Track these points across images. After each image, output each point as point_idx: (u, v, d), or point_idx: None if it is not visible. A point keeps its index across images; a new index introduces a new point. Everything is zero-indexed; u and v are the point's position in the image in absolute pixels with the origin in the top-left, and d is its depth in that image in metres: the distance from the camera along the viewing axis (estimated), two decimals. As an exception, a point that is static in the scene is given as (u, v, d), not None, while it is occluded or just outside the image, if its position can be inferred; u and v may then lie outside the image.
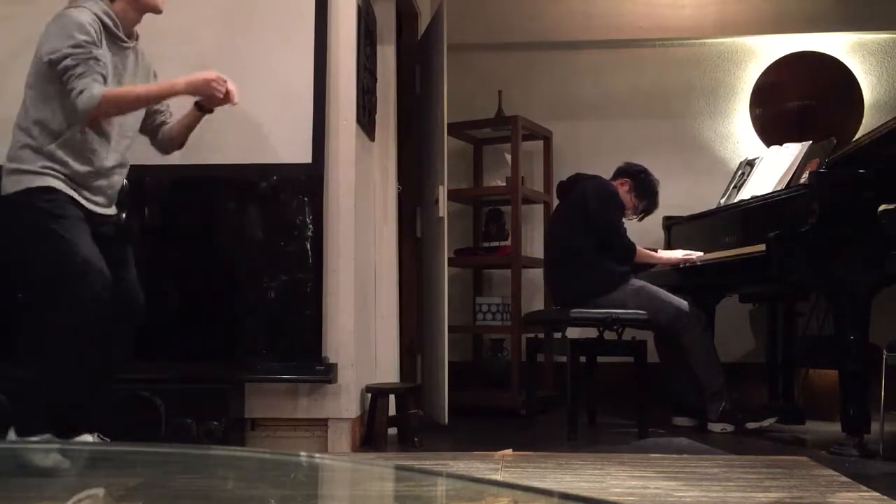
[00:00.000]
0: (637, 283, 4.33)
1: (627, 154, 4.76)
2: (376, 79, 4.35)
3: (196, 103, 3.22)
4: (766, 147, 5.17)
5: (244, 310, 3.74)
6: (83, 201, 2.99)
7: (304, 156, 3.74)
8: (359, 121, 3.92)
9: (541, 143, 5.58)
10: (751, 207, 4.27)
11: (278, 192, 3.74)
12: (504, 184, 5.32)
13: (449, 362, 4.39)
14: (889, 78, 5.59)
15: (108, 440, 3.03)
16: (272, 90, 3.78)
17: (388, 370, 4.40)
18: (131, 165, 3.20)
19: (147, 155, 3.36)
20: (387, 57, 4.54)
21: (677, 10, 5.66)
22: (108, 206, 3.13)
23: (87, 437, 2.98)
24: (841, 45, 5.60)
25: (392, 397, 4.03)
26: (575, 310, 4.21)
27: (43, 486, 2.34)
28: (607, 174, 4.60)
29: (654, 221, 5.09)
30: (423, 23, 5.08)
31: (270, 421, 3.74)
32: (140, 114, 3.18)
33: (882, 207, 3.42)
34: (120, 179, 3.15)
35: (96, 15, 2.95)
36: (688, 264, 4.46)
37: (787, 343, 4.64)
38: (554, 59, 5.77)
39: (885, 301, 3.79)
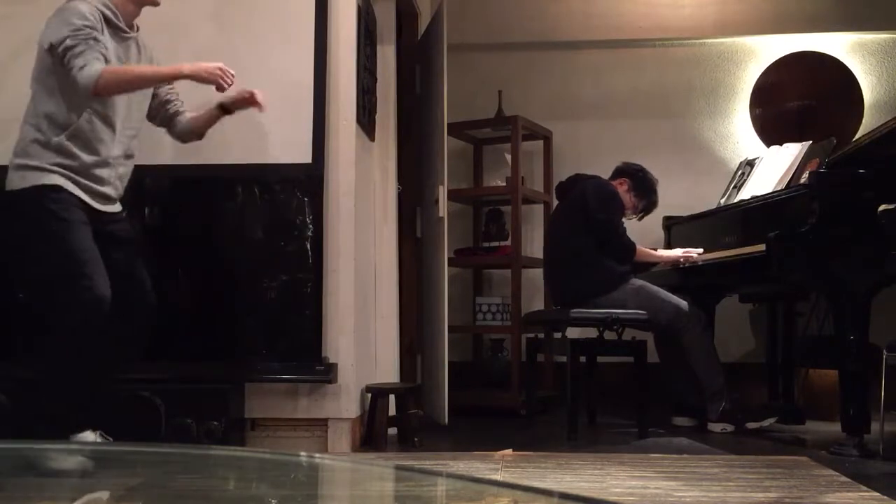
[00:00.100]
0: (637, 282, 4.33)
1: (627, 154, 4.76)
2: (376, 79, 4.35)
3: (219, 104, 3.25)
4: (766, 147, 5.17)
5: (244, 310, 3.74)
6: (89, 199, 3.00)
7: (304, 156, 3.74)
8: (359, 121, 3.92)
9: (541, 143, 5.58)
10: (751, 207, 4.27)
11: (278, 192, 3.74)
12: (504, 184, 5.32)
13: (449, 362, 4.39)
14: (889, 78, 5.59)
15: (111, 439, 3.03)
16: (272, 90, 3.76)
17: (388, 370, 4.40)
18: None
19: (147, 155, 3.36)
20: (387, 57, 4.54)
21: (677, 10, 5.66)
22: (115, 201, 3.13)
23: (90, 435, 2.98)
24: (841, 45, 5.60)
25: (392, 397, 4.03)
26: (575, 310, 4.21)
27: (43, 486, 2.34)
28: (607, 174, 4.60)
29: (654, 221, 5.09)
30: (423, 23, 5.08)
31: (270, 421, 3.74)
32: (144, 103, 3.19)
33: (882, 207, 3.42)
34: (127, 172, 3.15)
35: (96, 7, 2.96)
36: (688, 263, 4.46)
37: (787, 343, 4.64)
38: (554, 59, 5.77)
39: (885, 301, 3.79)
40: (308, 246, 3.72)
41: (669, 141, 5.62)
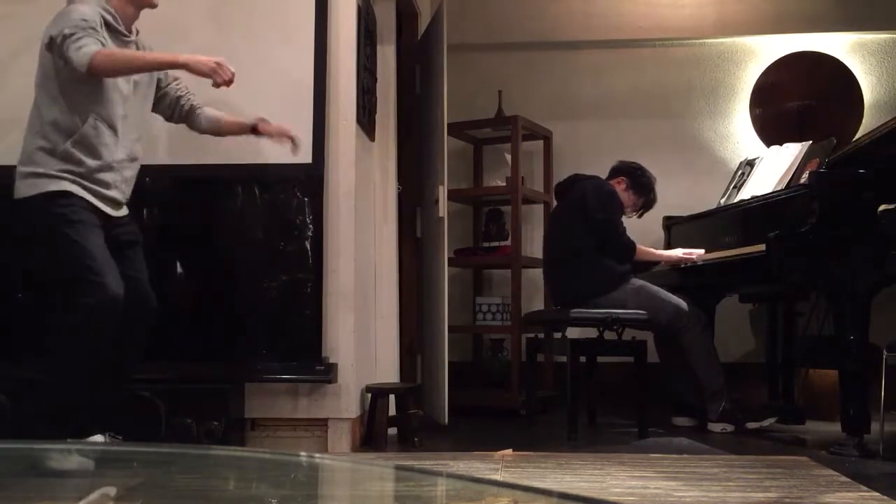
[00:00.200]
0: (637, 282, 4.33)
1: (628, 154, 4.75)
2: (376, 79, 4.35)
3: (254, 127, 3.33)
4: (766, 147, 5.17)
5: (244, 310, 3.74)
6: (98, 203, 3.00)
7: (304, 156, 3.73)
8: (359, 121, 3.92)
9: (541, 143, 5.58)
10: (751, 207, 4.27)
11: (278, 192, 3.74)
12: (504, 184, 5.32)
13: (449, 362, 4.39)
14: (889, 78, 5.59)
15: (120, 438, 3.03)
16: (272, 90, 3.78)
17: (388, 370, 4.40)
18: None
19: (147, 155, 3.35)
20: (387, 57, 4.54)
21: (677, 10, 5.66)
22: (121, 205, 3.14)
23: (99, 438, 2.99)
24: (841, 45, 5.60)
25: (392, 397, 4.03)
26: (575, 310, 4.21)
27: (43, 486, 2.34)
28: (606, 174, 4.60)
29: (655, 221, 5.10)
30: (423, 23, 5.08)
31: (270, 421, 3.74)
32: (146, 104, 3.20)
33: (882, 207, 3.43)
34: (132, 176, 3.16)
35: (97, 10, 2.98)
36: (688, 263, 4.46)
37: (787, 343, 4.64)
38: (554, 59, 5.77)
39: (885, 301, 3.79)
40: (308, 246, 3.72)
41: (669, 141, 5.62)
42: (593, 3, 5.71)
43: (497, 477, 3.06)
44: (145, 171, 3.48)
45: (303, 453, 3.38)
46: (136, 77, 3.11)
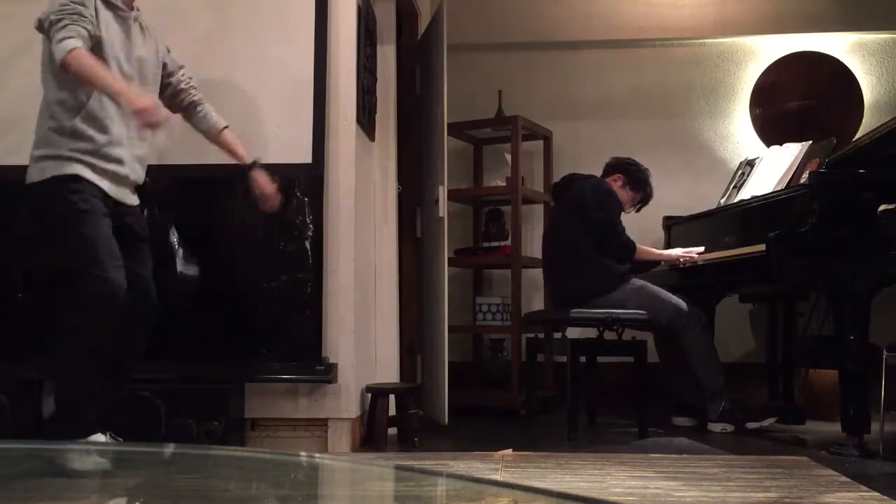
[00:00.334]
0: (637, 282, 4.33)
1: (628, 154, 4.75)
2: (376, 79, 4.35)
3: (249, 167, 3.33)
4: (766, 147, 5.17)
5: (244, 310, 3.74)
6: (109, 185, 3.00)
7: (304, 156, 3.74)
8: (359, 121, 3.92)
9: (541, 143, 5.58)
10: (751, 207, 4.27)
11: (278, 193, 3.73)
12: (504, 184, 5.32)
13: (449, 362, 4.39)
14: (889, 78, 5.59)
15: (121, 440, 3.03)
16: (272, 90, 3.78)
17: (388, 370, 4.40)
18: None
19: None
20: (387, 57, 4.54)
21: (677, 10, 5.66)
22: (133, 188, 3.13)
23: (100, 437, 2.99)
24: (841, 45, 5.61)
25: (392, 397, 4.03)
26: (575, 310, 4.21)
27: (43, 486, 2.34)
28: (601, 172, 4.61)
29: (655, 221, 5.10)
30: (423, 23, 5.08)
31: (270, 421, 3.74)
32: (154, 86, 3.19)
33: (882, 207, 3.43)
34: (143, 155, 3.15)
35: None
36: (688, 263, 4.46)
37: (787, 343, 4.64)
38: (554, 59, 5.77)
39: (885, 301, 3.79)
40: (308, 246, 3.72)
41: (669, 141, 5.62)
42: (593, 3, 5.71)
43: (497, 477, 3.06)
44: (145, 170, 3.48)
45: (303, 453, 3.38)
46: (140, 53, 3.11)
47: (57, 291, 2.99)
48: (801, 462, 3.34)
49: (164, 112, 2.91)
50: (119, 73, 3.02)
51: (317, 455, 3.18)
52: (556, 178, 5.04)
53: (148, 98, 2.89)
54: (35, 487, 2.29)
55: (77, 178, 2.93)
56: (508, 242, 5.29)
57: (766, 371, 4.76)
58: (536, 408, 4.69)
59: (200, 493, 2.04)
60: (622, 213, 4.46)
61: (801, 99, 5.58)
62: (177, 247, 3.77)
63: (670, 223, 5.12)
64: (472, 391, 5.15)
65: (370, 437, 3.91)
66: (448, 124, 4.54)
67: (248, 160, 3.35)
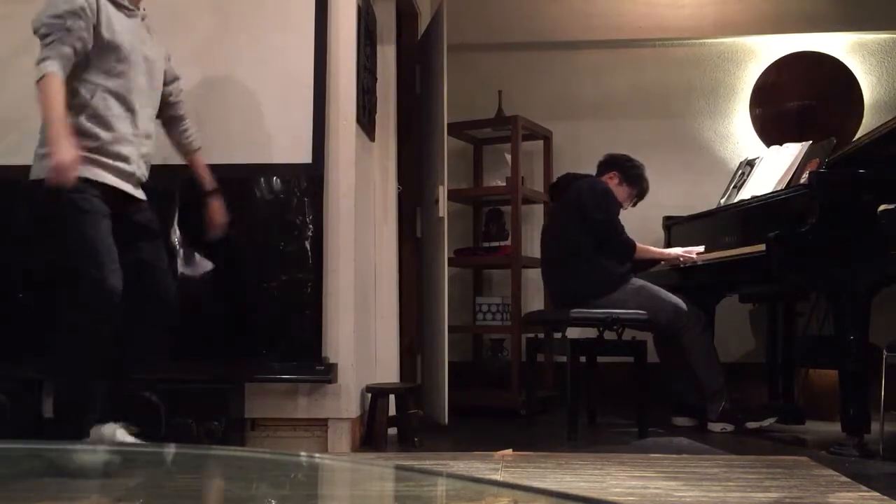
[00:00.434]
0: (637, 282, 4.33)
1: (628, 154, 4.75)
2: (376, 79, 4.35)
3: (206, 193, 3.37)
4: (766, 147, 5.17)
5: (244, 309, 3.74)
6: (114, 180, 3.00)
7: (304, 156, 3.74)
8: (359, 121, 3.92)
9: (541, 143, 5.58)
10: (751, 207, 4.27)
11: (278, 192, 3.74)
12: (504, 184, 5.32)
13: (449, 362, 4.39)
14: (889, 78, 5.59)
15: (135, 429, 3.04)
16: (272, 90, 3.78)
17: (388, 370, 4.40)
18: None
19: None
20: (387, 57, 4.54)
21: (677, 10, 5.66)
22: (139, 184, 3.13)
23: (115, 428, 2.99)
24: (841, 45, 5.61)
25: (392, 397, 4.04)
26: (575, 310, 4.21)
27: (43, 486, 2.34)
28: (595, 171, 4.61)
29: (655, 221, 5.11)
30: (423, 23, 5.08)
31: (270, 421, 3.74)
32: (158, 86, 3.20)
33: (882, 207, 3.43)
34: (149, 152, 3.16)
35: None
36: (688, 263, 4.46)
37: (787, 343, 4.64)
38: (554, 59, 5.77)
39: (885, 301, 3.79)
40: (308, 246, 3.71)
41: (669, 141, 5.62)
42: (593, 3, 5.71)
43: (497, 477, 3.06)
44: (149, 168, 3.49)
45: (303, 453, 3.38)
46: (147, 53, 3.12)
47: (56, 290, 2.99)
48: (801, 462, 3.34)
49: (75, 174, 2.85)
50: (124, 64, 3.02)
51: (317, 455, 3.18)
52: (556, 178, 5.04)
53: (70, 154, 2.83)
54: (35, 487, 2.29)
55: (79, 177, 2.92)
56: (508, 242, 5.29)
57: (766, 371, 4.76)
58: (536, 408, 4.69)
59: (200, 493, 2.04)
60: (620, 210, 4.46)
61: (801, 99, 5.58)
62: (177, 247, 3.77)
63: (670, 223, 5.12)
64: (472, 391, 5.16)
65: (370, 437, 3.91)
66: (448, 124, 4.54)
67: (211, 187, 3.36)
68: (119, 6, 3.05)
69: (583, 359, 4.44)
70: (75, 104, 2.96)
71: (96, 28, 2.96)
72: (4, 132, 3.56)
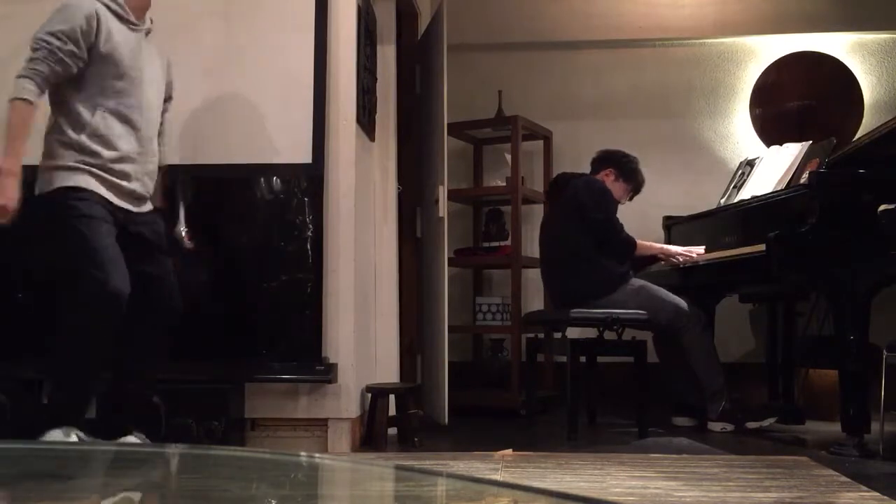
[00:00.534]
0: (637, 282, 4.33)
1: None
2: (376, 79, 4.35)
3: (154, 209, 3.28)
4: (766, 147, 5.17)
5: (244, 310, 3.74)
6: (116, 198, 3.01)
7: (304, 156, 3.74)
8: (359, 121, 3.92)
9: (541, 143, 5.58)
10: (751, 207, 4.27)
11: (278, 192, 3.74)
12: (504, 184, 5.32)
13: (449, 362, 4.39)
14: (889, 78, 5.59)
15: (150, 441, 3.05)
16: (272, 90, 3.78)
17: (388, 370, 4.40)
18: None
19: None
20: (387, 57, 4.54)
21: (677, 10, 5.66)
22: (143, 200, 3.14)
23: (132, 439, 3.00)
24: (841, 45, 5.61)
25: (392, 397, 4.03)
26: (575, 310, 4.21)
27: (43, 486, 2.34)
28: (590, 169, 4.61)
29: (655, 221, 5.10)
30: (423, 23, 5.08)
31: (270, 421, 3.74)
32: (158, 109, 3.20)
33: (882, 207, 3.43)
34: (154, 169, 3.16)
35: (102, 3, 2.98)
36: (688, 263, 4.46)
37: (787, 343, 4.64)
38: (554, 59, 5.77)
39: (885, 301, 3.79)
40: (308, 246, 3.71)
41: (669, 141, 5.62)
42: (593, 3, 5.71)
43: (497, 477, 3.06)
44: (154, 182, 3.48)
45: (303, 453, 3.38)
46: (150, 70, 3.12)
47: (57, 292, 3.00)
48: (801, 462, 3.34)
49: (10, 216, 2.86)
50: (126, 82, 3.03)
51: (317, 455, 3.17)
52: (552, 178, 5.04)
53: (10, 196, 2.82)
54: (35, 487, 2.29)
55: (81, 190, 2.95)
56: (508, 242, 5.29)
57: (766, 371, 4.76)
58: (536, 408, 4.69)
59: (200, 493, 2.04)
60: (618, 207, 4.45)
61: (801, 99, 5.58)
62: (176, 247, 3.76)
63: (670, 223, 5.12)
64: (472, 391, 5.16)
65: (370, 437, 3.91)
66: (448, 124, 4.54)
67: (160, 205, 3.33)
68: (123, 20, 3.05)
69: (583, 359, 4.44)
70: (76, 123, 2.97)
71: (95, 44, 2.96)
72: (4, 131, 3.55)
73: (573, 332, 4.41)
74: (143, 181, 3.11)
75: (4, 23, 3.67)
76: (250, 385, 3.71)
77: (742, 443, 3.96)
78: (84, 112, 2.97)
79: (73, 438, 2.91)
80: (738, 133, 5.67)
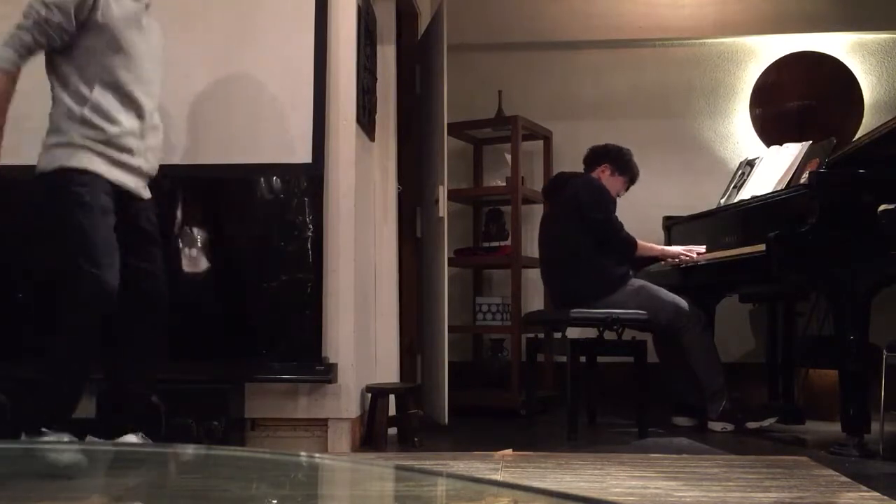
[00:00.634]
0: (636, 283, 4.33)
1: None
2: (376, 79, 4.35)
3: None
4: (766, 147, 5.17)
5: (244, 310, 3.74)
6: (120, 175, 2.98)
7: (304, 156, 3.74)
8: (359, 121, 3.92)
9: (541, 143, 5.58)
10: (751, 207, 4.27)
11: (278, 192, 3.74)
12: (504, 184, 5.32)
13: (449, 362, 4.39)
14: (889, 78, 5.59)
15: (151, 441, 3.04)
16: (272, 90, 3.78)
17: (388, 370, 4.40)
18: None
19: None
20: (387, 57, 4.54)
21: (677, 10, 5.66)
22: (146, 180, 3.12)
23: (132, 438, 2.99)
24: (841, 45, 5.60)
25: (392, 397, 4.03)
26: (575, 310, 4.21)
27: (43, 486, 2.34)
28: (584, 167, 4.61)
29: (655, 221, 5.10)
30: (423, 23, 5.08)
31: (270, 421, 3.74)
32: (158, 76, 3.18)
33: (882, 207, 3.43)
34: (157, 144, 3.14)
35: None
36: (689, 263, 4.46)
37: (787, 343, 4.64)
38: (554, 59, 5.77)
39: (885, 301, 3.79)
40: (308, 246, 3.71)
41: (669, 141, 5.62)
42: (593, 3, 5.71)
43: (497, 477, 3.06)
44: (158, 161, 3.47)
45: (303, 453, 3.38)
46: (150, 43, 3.09)
47: (56, 290, 2.99)
48: (801, 462, 3.34)
49: None
50: (141, 54, 3.02)
51: (317, 455, 3.18)
52: (549, 178, 5.04)
53: None
54: (35, 487, 2.29)
55: (86, 172, 2.92)
56: (508, 242, 5.29)
57: (766, 371, 4.76)
58: (536, 408, 4.69)
59: (200, 493, 2.04)
60: (616, 202, 4.45)
61: (801, 99, 5.58)
62: (176, 247, 3.77)
63: (670, 223, 5.12)
64: (472, 391, 5.15)
65: (370, 437, 3.91)
66: (448, 124, 4.54)
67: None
68: None
69: (583, 359, 4.44)
70: (76, 97, 2.95)
71: (91, 16, 2.93)
72: (6, 132, 3.55)
73: (573, 332, 4.41)
74: (147, 157, 3.09)
75: (4, 23, 3.66)
76: (250, 385, 3.71)
77: (742, 443, 3.96)
78: (82, 88, 2.95)
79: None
80: (738, 133, 5.67)
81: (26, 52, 2.91)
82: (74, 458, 2.56)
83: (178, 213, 3.81)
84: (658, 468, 3.25)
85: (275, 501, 1.80)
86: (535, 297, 5.47)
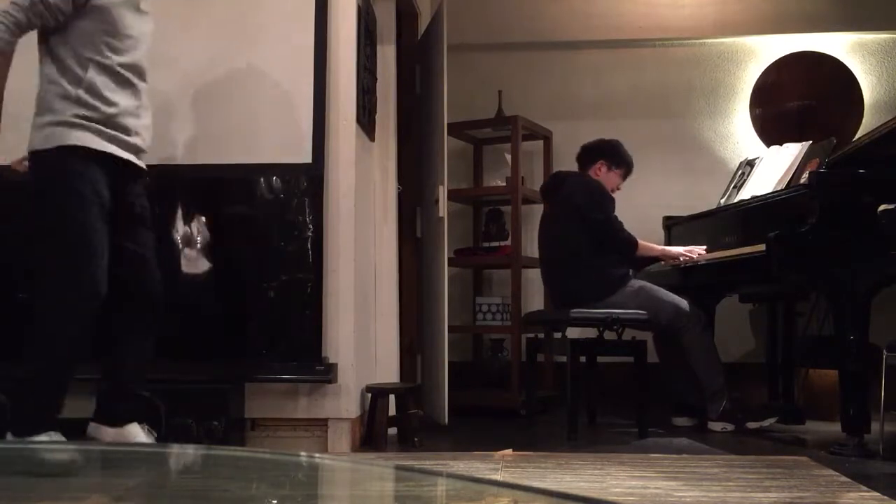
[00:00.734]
0: (636, 283, 4.33)
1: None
2: (376, 79, 4.35)
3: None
4: (766, 147, 5.17)
5: (244, 310, 3.73)
6: (117, 151, 2.97)
7: (304, 156, 3.74)
8: (359, 121, 3.92)
9: (541, 143, 5.58)
10: (751, 207, 4.27)
11: (278, 192, 3.74)
12: (504, 184, 5.32)
13: (449, 362, 4.39)
14: (889, 78, 5.59)
15: (155, 433, 3.04)
16: (272, 90, 3.78)
17: (388, 370, 4.40)
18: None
19: (147, 155, 3.35)
20: (387, 57, 4.54)
21: (677, 10, 5.66)
22: (141, 153, 3.10)
23: (136, 429, 2.99)
24: (841, 45, 5.61)
25: (392, 397, 4.03)
26: (575, 310, 4.21)
27: (42, 486, 2.34)
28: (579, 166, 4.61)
29: (655, 221, 5.10)
30: (423, 23, 5.08)
31: (270, 421, 3.74)
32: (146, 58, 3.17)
33: (882, 207, 3.43)
34: (149, 123, 3.12)
35: None
36: (689, 263, 4.46)
37: (787, 343, 4.64)
38: (554, 59, 5.77)
39: (885, 301, 3.79)
40: (308, 246, 3.71)
41: (669, 141, 5.62)
42: (593, 3, 5.71)
43: (497, 477, 3.06)
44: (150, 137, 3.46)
45: (303, 453, 3.38)
46: (144, 31, 3.09)
47: (48, 280, 2.97)
48: (801, 462, 3.34)
49: None
50: (134, 36, 3.01)
51: (317, 455, 3.18)
52: (547, 179, 5.04)
53: None
54: (34, 487, 2.29)
55: (83, 149, 2.89)
56: (508, 242, 5.29)
57: (766, 371, 4.76)
58: (536, 408, 4.69)
59: (200, 493, 2.04)
60: (615, 202, 4.44)
61: (801, 99, 5.58)
62: (176, 247, 3.77)
63: (670, 223, 5.12)
64: (472, 391, 5.16)
65: (370, 437, 3.91)
66: (448, 124, 4.54)
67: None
68: None
69: (583, 359, 4.44)
70: (72, 78, 2.93)
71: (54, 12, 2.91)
72: (6, 131, 3.55)
73: (573, 332, 4.41)
74: (143, 135, 3.08)
75: None
76: (250, 385, 3.71)
77: (742, 443, 3.96)
78: (77, 69, 2.93)
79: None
80: (738, 133, 5.67)
81: (19, 32, 2.88)
82: (74, 457, 2.57)
83: (178, 213, 3.81)
84: (658, 468, 3.25)
85: (275, 501, 1.80)
86: (535, 297, 5.47)
